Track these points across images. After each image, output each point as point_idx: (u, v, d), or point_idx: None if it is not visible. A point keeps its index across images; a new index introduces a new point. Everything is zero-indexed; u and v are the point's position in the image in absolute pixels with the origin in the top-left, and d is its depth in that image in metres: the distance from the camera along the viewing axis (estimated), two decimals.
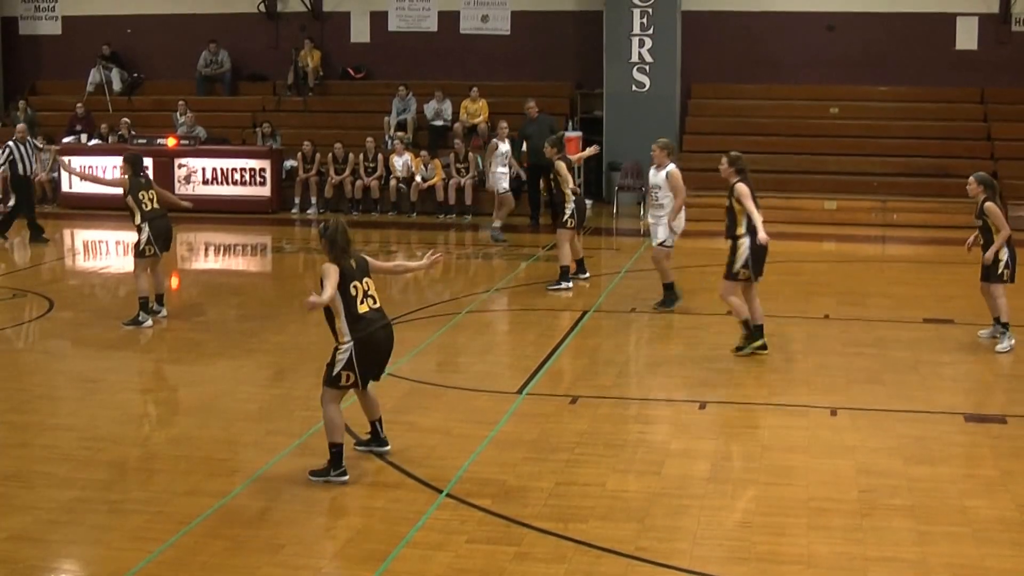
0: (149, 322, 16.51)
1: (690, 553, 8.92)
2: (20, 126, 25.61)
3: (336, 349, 10.33)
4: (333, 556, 8.99)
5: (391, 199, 28.77)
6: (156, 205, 16.79)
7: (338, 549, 9.10)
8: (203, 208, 27.62)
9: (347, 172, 29.17)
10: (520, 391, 13.19)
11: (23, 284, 19.95)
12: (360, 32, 33.05)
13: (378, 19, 32.80)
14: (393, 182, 28.73)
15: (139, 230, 16.66)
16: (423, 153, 28.94)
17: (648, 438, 11.77)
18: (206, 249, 25.98)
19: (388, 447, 11.07)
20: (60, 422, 12.44)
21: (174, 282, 19.91)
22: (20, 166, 24.58)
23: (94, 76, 33.66)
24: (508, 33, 31.97)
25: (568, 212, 18.59)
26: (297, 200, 29.40)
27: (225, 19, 33.17)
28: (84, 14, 34.42)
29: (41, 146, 27.64)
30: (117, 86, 33.53)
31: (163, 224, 16.85)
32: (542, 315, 17.52)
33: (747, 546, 9.09)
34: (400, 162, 28.92)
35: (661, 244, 17.14)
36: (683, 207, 17.03)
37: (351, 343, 10.18)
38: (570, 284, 18.89)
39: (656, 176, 17.16)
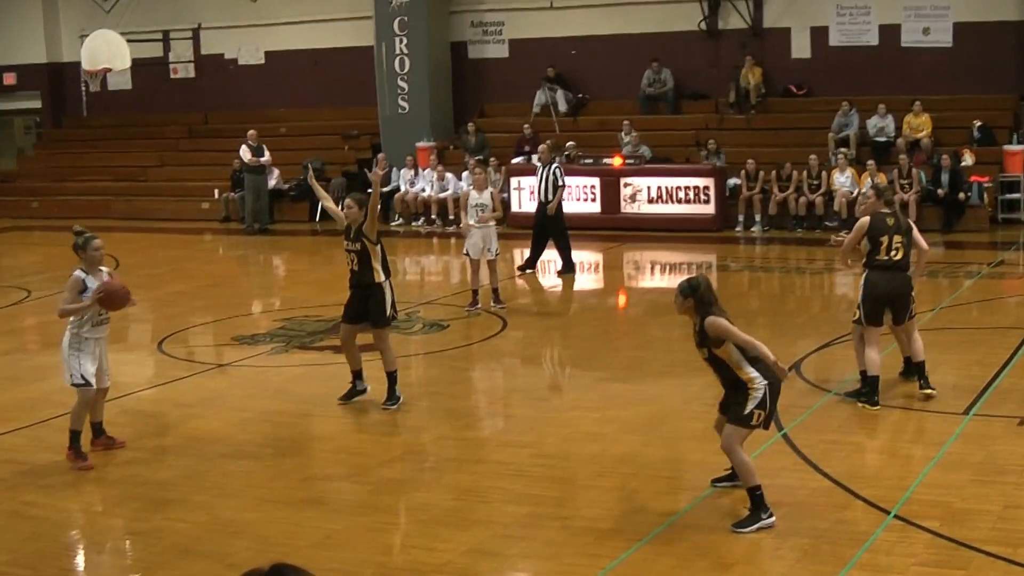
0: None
1: None
2: (542, 146, 24.38)
3: (748, 391, 10.03)
4: None
5: (842, 215, 28.39)
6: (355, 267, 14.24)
7: (785, 569, 9.12)
8: (648, 226, 28.09)
9: (791, 189, 29.03)
10: (966, 411, 12.90)
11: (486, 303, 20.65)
12: (801, 48, 32.76)
13: (819, 34, 32.46)
14: (838, 199, 28.42)
15: None
16: (870, 164, 28.49)
17: None
18: (651, 267, 26.31)
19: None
20: (513, 439, 12.83)
21: (621, 300, 20.20)
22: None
23: (540, 98, 34.45)
24: (950, 45, 31.11)
25: None
26: (741, 218, 29.42)
27: (667, 38, 33.44)
28: (530, 36, 35.26)
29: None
30: (562, 107, 34.24)
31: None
32: (988, 333, 17.05)
33: None
34: (842, 178, 28.61)
35: None
36: None
37: (765, 383, 10.02)
38: None
39: None
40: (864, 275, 13.33)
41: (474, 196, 19.64)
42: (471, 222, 19.40)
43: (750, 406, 9.98)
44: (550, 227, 22.99)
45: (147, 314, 19.93)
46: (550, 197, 22.57)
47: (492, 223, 19.52)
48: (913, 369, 13.71)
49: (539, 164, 23.20)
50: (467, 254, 19.74)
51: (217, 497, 11.17)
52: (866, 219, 13.37)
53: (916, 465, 11.28)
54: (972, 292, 20.15)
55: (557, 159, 24.92)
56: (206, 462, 12.23)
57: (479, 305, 19.46)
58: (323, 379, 15.53)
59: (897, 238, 13.14)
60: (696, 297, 10.30)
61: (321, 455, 12.72)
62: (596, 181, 30.03)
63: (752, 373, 10.01)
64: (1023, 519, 9.92)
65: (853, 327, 13.68)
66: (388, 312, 14.12)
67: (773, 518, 9.97)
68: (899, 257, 13.17)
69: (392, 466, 11.91)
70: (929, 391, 13.33)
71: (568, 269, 23.23)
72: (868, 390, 13.17)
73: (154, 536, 10.19)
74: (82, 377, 12.11)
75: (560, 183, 22.67)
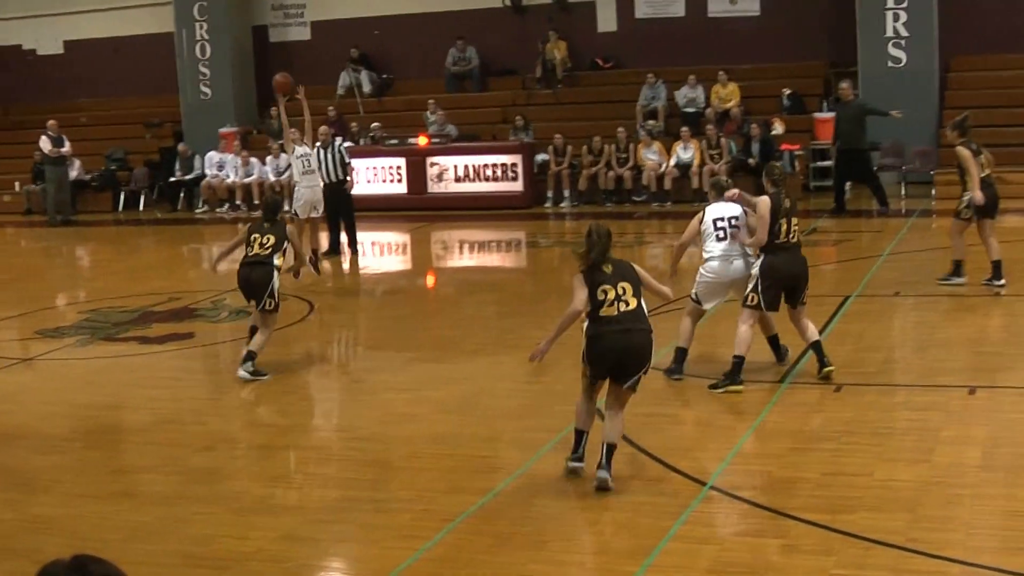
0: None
1: (964, 544, 8.62)
2: (322, 128, 23.85)
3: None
4: (598, 551, 8.95)
5: (652, 189, 28.57)
6: (257, 250, 14.45)
7: (603, 544, 9.06)
8: (457, 206, 28.00)
9: (601, 163, 29.12)
10: (782, 380, 12.98)
11: (284, 288, 20.34)
12: (607, 21, 32.94)
13: (624, 7, 32.63)
14: (646, 173, 28.58)
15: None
16: (684, 130, 28.73)
17: (917, 425, 11.43)
18: (461, 246, 26.22)
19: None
20: (324, 423, 12.66)
21: (430, 280, 20.09)
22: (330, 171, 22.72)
23: (344, 79, 34.26)
24: (758, 14, 31.45)
25: (964, 203, 16.80)
26: (550, 194, 29.47)
27: (471, 15, 33.43)
28: (332, 18, 35.04)
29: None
30: (367, 88, 34.07)
31: (245, 273, 14.60)
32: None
33: (1022, 536, 8.77)
34: (650, 153, 28.79)
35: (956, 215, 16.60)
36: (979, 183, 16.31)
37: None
38: (962, 280, 17.19)
39: None
40: (761, 259, 12.93)
41: (298, 149, 19.60)
42: (297, 177, 19.37)
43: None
44: (342, 207, 22.61)
45: None
46: (340, 177, 22.17)
47: (320, 183, 19.39)
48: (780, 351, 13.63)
49: (319, 146, 22.49)
50: (296, 215, 19.49)
51: (25, 494, 10.82)
52: (766, 200, 13.01)
53: (733, 436, 11.29)
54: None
55: (340, 138, 24.75)
56: (13, 458, 11.87)
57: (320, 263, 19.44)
58: (130, 370, 15.23)
59: (794, 220, 12.95)
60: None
61: (130, 447, 12.41)
62: (402, 161, 29.88)
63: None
64: (840, 486, 9.96)
65: (743, 310, 13.06)
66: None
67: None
68: (796, 239, 12.98)
69: (202, 455, 11.63)
70: (828, 369, 12.91)
71: (336, 251, 23.05)
72: (732, 371, 12.78)
73: None
74: None
75: (347, 161, 22.46)
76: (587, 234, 10.18)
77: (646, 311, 10.20)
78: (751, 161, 27.85)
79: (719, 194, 13.24)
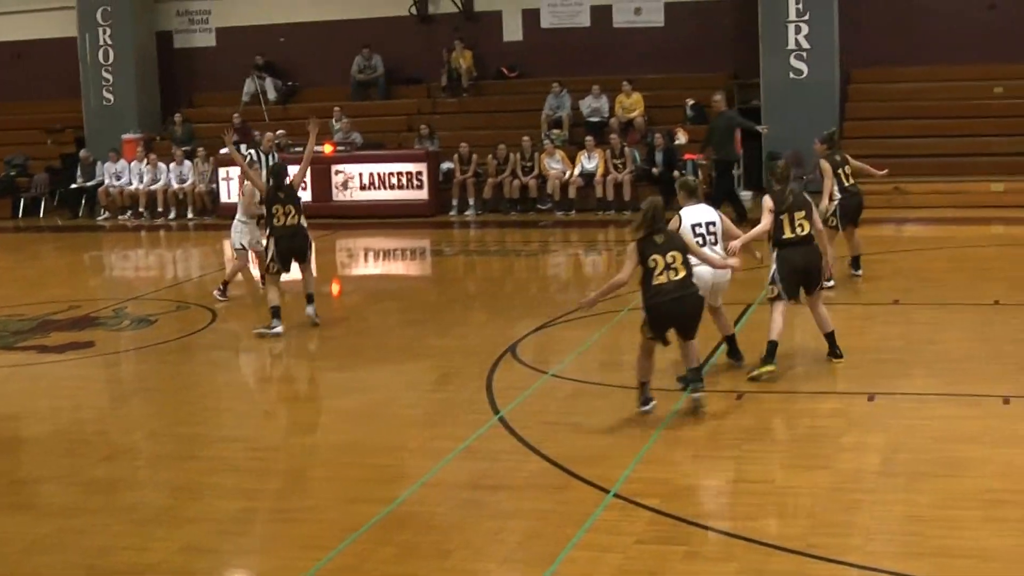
0: (279, 328, 16.45)
1: (863, 549, 8.73)
2: (268, 135, 24.45)
3: None
4: (502, 560, 8.94)
5: (555, 197, 28.64)
6: (290, 221, 16.60)
7: (507, 553, 9.05)
8: (362, 214, 27.94)
9: (507, 172, 29.15)
10: (685, 388, 13.02)
11: (186, 296, 20.27)
12: (512, 31, 33.00)
13: (530, 16, 32.71)
14: (551, 182, 28.63)
15: (268, 243, 16.82)
16: (588, 139, 28.86)
17: (817, 432, 11.57)
18: (366, 255, 26.16)
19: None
20: (227, 433, 12.57)
21: (335, 288, 20.01)
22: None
23: (249, 87, 34.03)
24: (662, 25, 31.66)
25: (829, 211, 17.64)
26: (455, 202, 29.45)
27: (377, 23, 33.33)
28: (237, 25, 34.82)
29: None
30: (272, 95, 33.87)
31: (287, 243, 16.61)
32: (706, 311, 17.26)
33: (921, 540, 8.87)
34: (553, 162, 28.86)
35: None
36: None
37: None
38: (858, 272, 18.47)
39: None
40: (775, 254, 13.52)
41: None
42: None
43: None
44: None
45: None
46: None
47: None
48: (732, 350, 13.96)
49: (263, 153, 22.48)
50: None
51: None
52: (769, 199, 13.60)
53: (636, 443, 11.33)
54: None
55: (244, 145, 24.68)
56: None
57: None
58: (30, 379, 15.07)
59: (799, 215, 13.44)
60: None
61: (29, 457, 12.24)
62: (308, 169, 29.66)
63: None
64: (742, 492, 10.05)
65: (772, 304, 13.61)
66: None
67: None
68: (804, 232, 13.45)
69: (103, 466, 11.51)
70: (838, 359, 13.83)
71: None
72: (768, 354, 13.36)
73: None
74: None
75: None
76: (642, 208, 11.76)
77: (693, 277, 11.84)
78: (655, 171, 28.01)
79: (690, 196, 13.30)
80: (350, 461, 11.31)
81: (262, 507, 10.19)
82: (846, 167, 17.90)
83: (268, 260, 16.71)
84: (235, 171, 28.80)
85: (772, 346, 13.25)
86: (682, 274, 11.69)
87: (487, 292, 20.59)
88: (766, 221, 13.48)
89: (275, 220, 16.61)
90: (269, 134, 23.96)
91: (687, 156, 28.11)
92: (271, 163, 21.90)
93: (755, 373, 13.17)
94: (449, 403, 13.12)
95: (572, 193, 28.48)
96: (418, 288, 22.05)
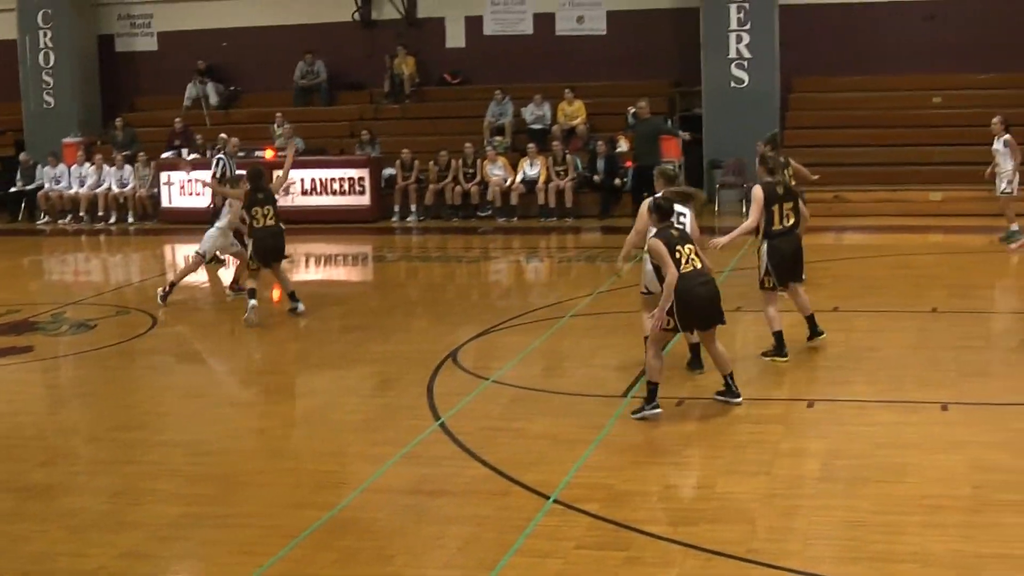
0: (254, 301, 17.27)
1: (802, 554, 8.78)
2: (233, 140, 24.01)
3: None
4: (443, 565, 8.93)
5: (497, 204, 28.67)
6: (269, 222, 17.60)
7: (448, 558, 9.04)
8: (303, 219, 27.86)
9: (449, 178, 29.15)
10: (626, 394, 13.08)
11: (126, 301, 20.14)
12: (455, 37, 33.01)
13: (473, 24, 32.74)
14: (492, 188, 28.65)
15: (249, 243, 17.69)
16: (531, 146, 28.91)
17: (757, 438, 11.60)
18: (307, 260, 26.06)
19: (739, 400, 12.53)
20: (167, 438, 12.50)
21: (276, 294, 19.94)
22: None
23: (191, 91, 33.84)
24: (604, 33, 31.77)
25: None
26: (397, 208, 29.43)
27: (320, 29, 33.28)
28: (179, 29, 34.66)
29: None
30: (214, 100, 33.72)
31: (268, 242, 17.56)
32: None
33: (860, 545, 8.93)
34: (495, 169, 28.89)
35: None
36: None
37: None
38: None
39: None
40: (765, 245, 14.10)
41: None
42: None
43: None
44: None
45: None
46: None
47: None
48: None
49: (227, 155, 22.43)
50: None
51: None
52: (760, 190, 14.06)
53: (577, 449, 11.33)
54: (630, 276, 20.50)
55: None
56: None
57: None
58: None
59: (787, 206, 14.09)
60: None
61: None
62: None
63: None
64: (681, 498, 10.10)
65: (763, 294, 14.34)
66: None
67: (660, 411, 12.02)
68: (790, 222, 14.11)
69: (40, 471, 11.42)
70: (821, 336, 14.71)
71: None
72: (777, 345, 14.18)
73: None
74: None
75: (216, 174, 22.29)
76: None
77: None
78: (596, 178, 28.13)
79: (668, 183, 13.37)
80: (291, 466, 11.28)
81: (202, 512, 10.13)
82: (788, 169, 18.11)
83: (248, 258, 17.59)
84: (177, 176, 28.91)
85: (779, 336, 14.12)
86: (699, 264, 12.04)
87: (428, 298, 20.60)
88: (755, 214, 14.00)
89: (255, 221, 17.59)
90: (234, 139, 23.81)
91: (628, 163, 28.18)
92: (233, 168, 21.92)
93: (769, 360, 14.21)
94: (390, 409, 13.11)
95: (514, 200, 28.53)
96: (359, 294, 22.01)
